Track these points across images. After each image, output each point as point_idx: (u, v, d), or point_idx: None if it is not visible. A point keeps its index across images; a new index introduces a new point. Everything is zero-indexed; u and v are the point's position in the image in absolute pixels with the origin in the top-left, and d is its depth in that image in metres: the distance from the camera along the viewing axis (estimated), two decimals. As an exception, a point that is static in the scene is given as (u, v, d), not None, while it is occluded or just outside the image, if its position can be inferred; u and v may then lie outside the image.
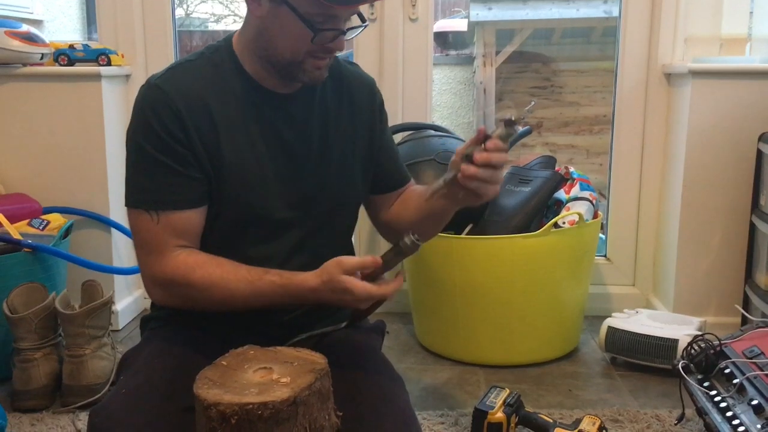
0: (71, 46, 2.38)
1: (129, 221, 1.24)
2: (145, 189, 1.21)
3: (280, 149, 1.27)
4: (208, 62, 1.26)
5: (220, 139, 1.22)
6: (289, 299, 1.18)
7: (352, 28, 1.23)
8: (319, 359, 1.08)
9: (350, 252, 1.41)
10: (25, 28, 2.31)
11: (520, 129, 1.13)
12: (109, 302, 1.96)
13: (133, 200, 1.23)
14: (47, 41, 2.36)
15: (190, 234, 1.23)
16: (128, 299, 2.56)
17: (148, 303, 1.40)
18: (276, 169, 1.27)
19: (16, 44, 2.26)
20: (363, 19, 1.25)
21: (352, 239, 1.46)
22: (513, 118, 1.14)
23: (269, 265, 1.21)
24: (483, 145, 1.15)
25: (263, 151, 1.26)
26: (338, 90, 1.35)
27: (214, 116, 1.22)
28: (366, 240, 2.61)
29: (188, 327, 1.28)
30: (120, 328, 2.46)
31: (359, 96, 1.38)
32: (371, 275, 1.14)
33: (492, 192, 1.19)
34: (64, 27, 3.16)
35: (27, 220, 2.15)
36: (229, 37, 1.30)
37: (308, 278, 1.16)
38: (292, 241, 1.30)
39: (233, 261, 1.21)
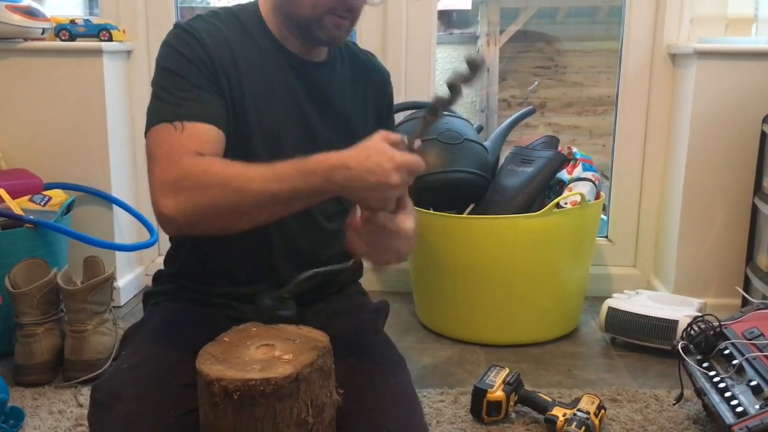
0: (72, 21, 2.36)
1: (148, 145, 1.14)
2: (169, 103, 1.15)
3: (296, 113, 1.27)
4: (234, 17, 1.27)
5: (244, 87, 1.21)
6: (311, 178, 1.03)
7: None
8: (321, 337, 1.09)
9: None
10: (26, 2, 2.29)
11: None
12: (111, 278, 1.96)
13: (154, 120, 1.15)
14: (48, 16, 2.34)
15: (214, 148, 1.15)
16: (130, 276, 2.56)
17: (149, 280, 1.40)
18: (290, 133, 1.26)
19: (17, 18, 2.24)
20: None
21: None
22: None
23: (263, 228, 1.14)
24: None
25: (281, 111, 1.25)
26: (355, 72, 1.38)
27: (239, 64, 1.21)
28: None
29: (190, 302, 1.29)
30: (122, 304, 2.46)
31: (375, 81, 1.40)
32: None
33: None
34: (65, 2, 3.14)
35: (28, 196, 2.14)
36: (255, 0, 1.31)
37: (337, 152, 1.04)
38: None
39: None
